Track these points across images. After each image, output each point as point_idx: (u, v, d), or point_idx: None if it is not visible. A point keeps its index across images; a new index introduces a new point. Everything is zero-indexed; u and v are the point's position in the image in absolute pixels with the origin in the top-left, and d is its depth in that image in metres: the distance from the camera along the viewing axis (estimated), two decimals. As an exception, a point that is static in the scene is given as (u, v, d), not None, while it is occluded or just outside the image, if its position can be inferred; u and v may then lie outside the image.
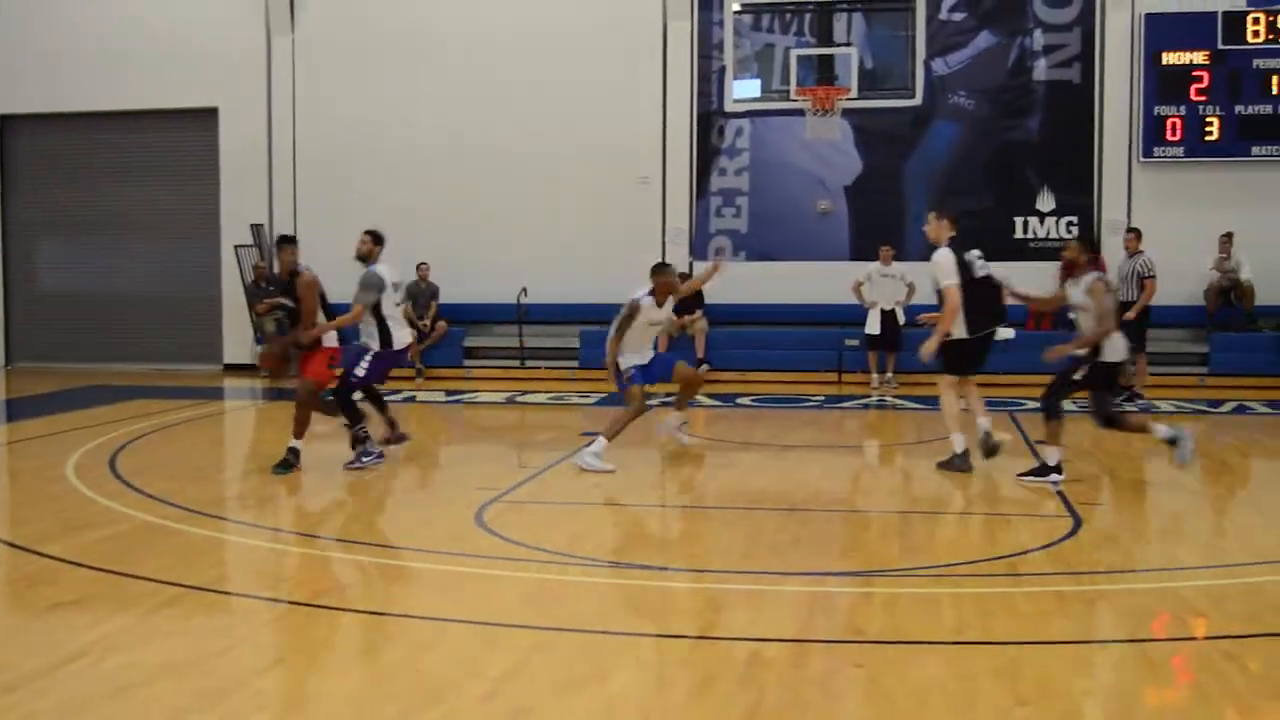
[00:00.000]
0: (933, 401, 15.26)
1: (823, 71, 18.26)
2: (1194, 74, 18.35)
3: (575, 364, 18.83)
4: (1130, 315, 15.51)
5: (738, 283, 19.00)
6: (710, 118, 19.67)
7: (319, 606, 6.69)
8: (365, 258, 11.18)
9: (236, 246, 20.49)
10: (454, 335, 19.32)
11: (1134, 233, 16.20)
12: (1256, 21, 18.10)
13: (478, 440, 14.02)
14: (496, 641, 6.01)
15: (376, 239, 11.27)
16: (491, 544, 8.10)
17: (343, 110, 20.39)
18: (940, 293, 10.63)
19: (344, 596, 7.01)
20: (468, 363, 19.37)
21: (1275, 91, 18.15)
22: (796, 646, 5.97)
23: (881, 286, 17.42)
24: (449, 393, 17.35)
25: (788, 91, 18.39)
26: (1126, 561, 7.88)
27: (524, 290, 19.28)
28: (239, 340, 20.74)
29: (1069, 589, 7.00)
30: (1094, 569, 7.42)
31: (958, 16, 19.24)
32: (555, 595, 7.00)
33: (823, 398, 16.40)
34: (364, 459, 10.84)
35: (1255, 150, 18.29)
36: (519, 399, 16.62)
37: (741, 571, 7.52)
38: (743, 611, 6.76)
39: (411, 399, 16.78)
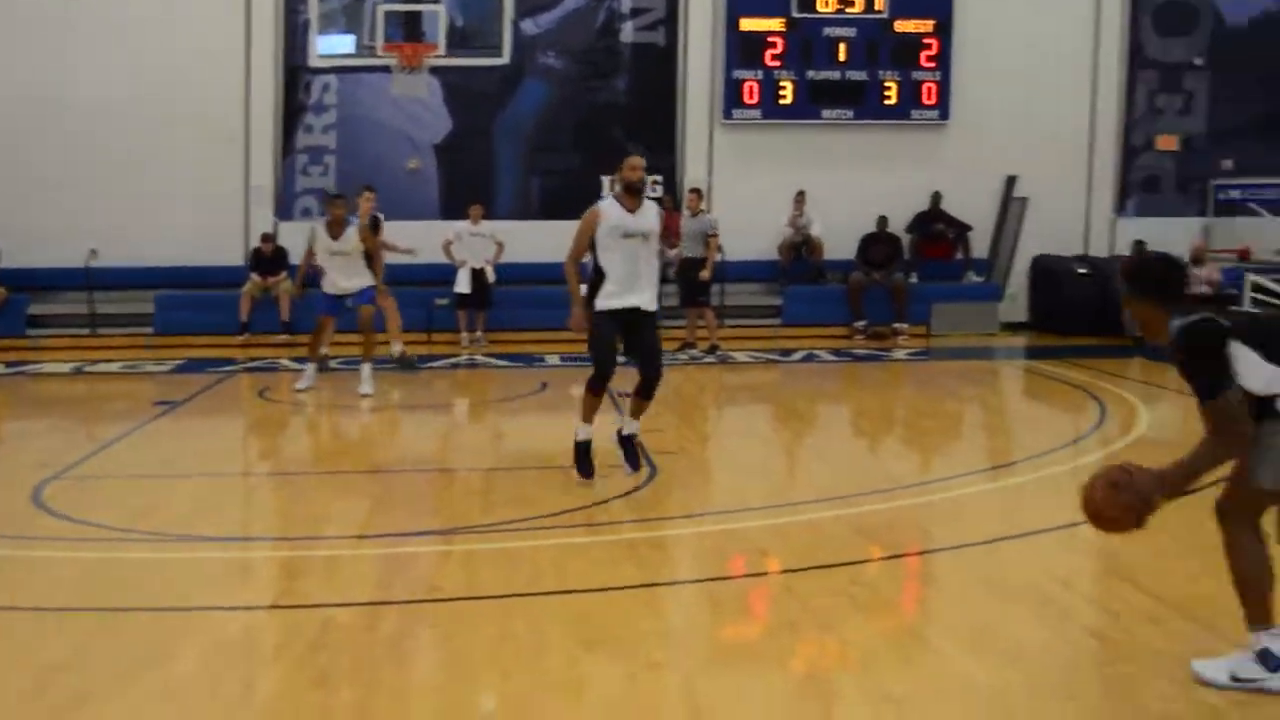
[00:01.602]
0: (521, 359, 15.53)
1: (410, 28, 18.00)
2: (770, 40, 19.15)
3: (151, 330, 17.86)
4: (706, 274, 16.15)
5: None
6: (296, 73, 19.04)
7: None
8: None
9: None
10: (16, 303, 17.89)
11: (696, 193, 16.88)
12: (829, -10, 19.08)
13: (40, 414, 13.05)
14: (51, 628, 5.66)
15: None
16: (49, 524, 7.57)
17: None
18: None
19: (-128, 589, 6.36)
20: (31, 332, 17.98)
21: (843, 59, 19.18)
22: (371, 610, 5.89)
23: (471, 245, 17.39)
24: (9, 364, 16.06)
25: (375, 48, 18.02)
26: (698, 505, 8.17)
27: (94, 253, 18.13)
28: None
29: (642, 535, 7.20)
30: (667, 514, 7.65)
31: (546, -23, 19.36)
32: (120, 574, 6.61)
33: (414, 357, 16.24)
34: None
35: (825, 114, 19.29)
36: (89, 369, 15.61)
37: (318, 537, 7.40)
38: (318, 578, 6.64)
39: (-32, 372, 15.51)
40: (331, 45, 18.98)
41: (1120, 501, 4.77)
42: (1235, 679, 4.75)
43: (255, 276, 17.70)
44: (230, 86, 18.77)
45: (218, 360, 15.84)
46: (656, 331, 8.42)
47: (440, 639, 5.50)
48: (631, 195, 8.22)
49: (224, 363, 15.67)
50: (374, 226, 15.08)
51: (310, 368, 12.95)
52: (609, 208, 8.25)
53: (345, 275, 12.56)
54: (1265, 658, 4.73)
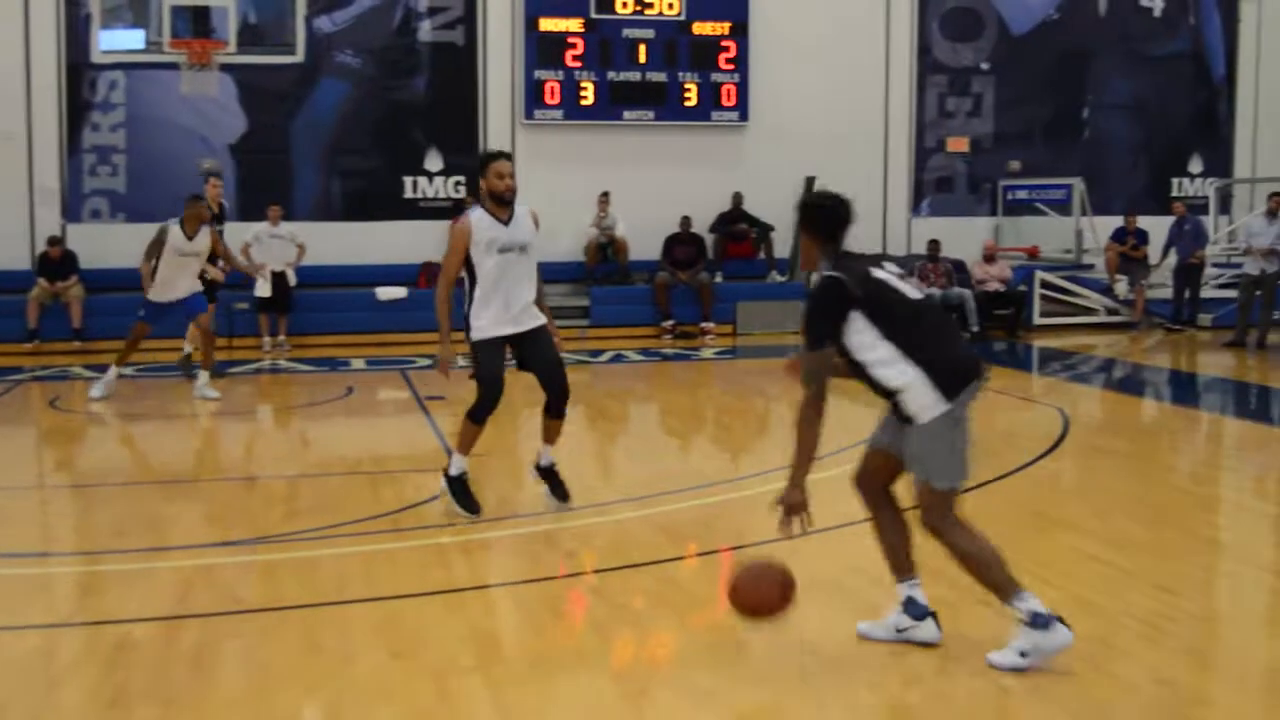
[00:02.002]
0: (325, 363, 15.27)
1: (199, 24, 17.51)
2: (569, 41, 19.19)
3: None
4: None
5: (116, 246, 17.88)
6: (80, 69, 18.34)
7: None
8: None
9: None
10: None
11: None
12: (628, -8, 19.20)
13: None
14: None
15: None
16: None
17: None
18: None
19: None
20: None
21: (642, 60, 19.34)
22: (170, 624, 5.74)
23: (271, 247, 17.01)
24: None
25: (162, 44, 17.48)
26: (505, 508, 8.09)
27: None
28: None
29: (449, 540, 7.14)
30: (474, 518, 7.56)
31: (342, -27, 19.05)
32: (-104, 595, 6.30)
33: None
34: None
35: (627, 114, 19.42)
36: None
37: (115, 551, 7.13)
38: (115, 592, 6.43)
39: None
40: (116, 41, 18.32)
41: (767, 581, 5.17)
42: (1024, 654, 4.97)
43: (43, 282, 16.98)
44: (10, 83, 17.99)
45: (5, 369, 15.16)
46: (552, 342, 7.59)
47: (243, 652, 5.37)
48: (501, 205, 7.46)
49: (11, 371, 15.01)
50: (220, 215, 14.70)
51: (111, 373, 12.52)
52: (479, 220, 7.38)
53: (185, 280, 12.33)
54: (1036, 620, 4.95)
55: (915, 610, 5.29)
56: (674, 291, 18.50)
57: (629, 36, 19.27)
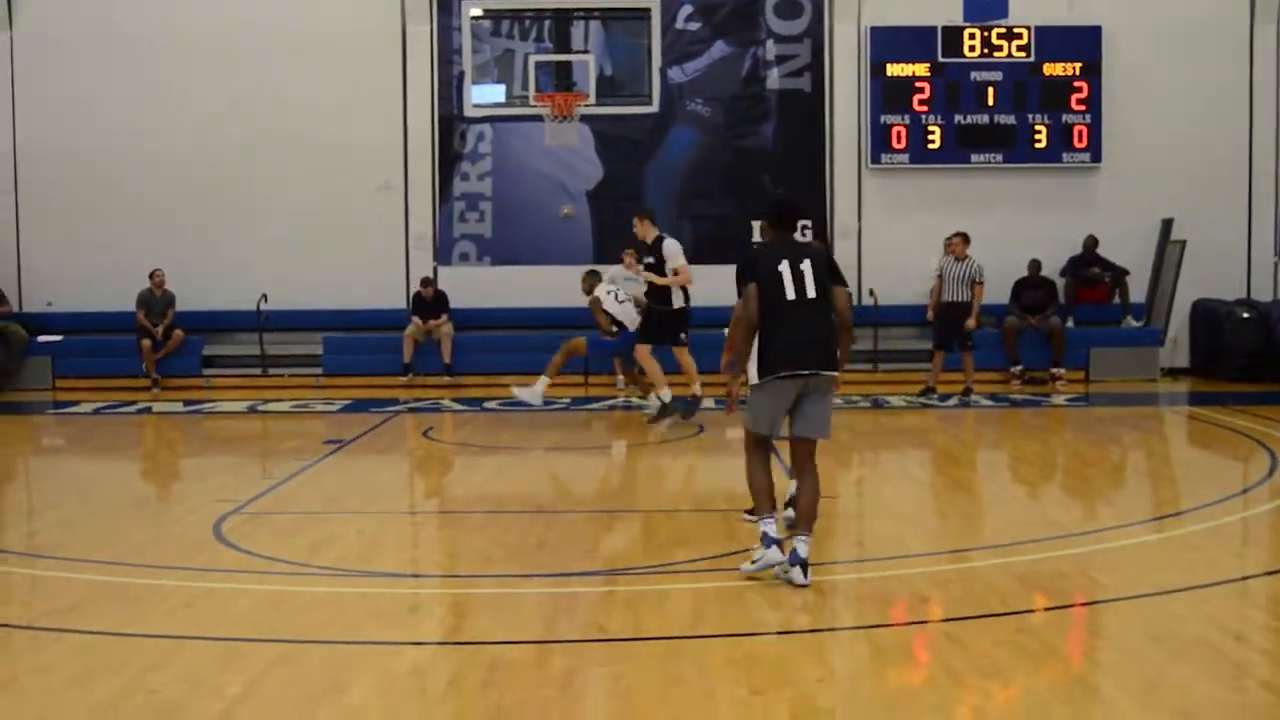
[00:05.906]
0: (681, 403, 15.60)
1: (561, 78, 18.39)
2: (916, 85, 19.14)
3: (319, 371, 18.47)
4: (971, 322, 16.20)
5: (483, 287, 19.00)
6: (451, 122, 19.54)
7: (42, 629, 6.40)
8: None
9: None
10: (191, 344, 18.65)
11: (961, 237, 16.73)
12: (973, 36, 19.00)
13: (217, 451, 13.60)
14: (233, 658, 5.86)
15: None
16: (230, 557, 7.90)
17: (69, 110, 19.33)
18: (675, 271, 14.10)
19: (70, 618, 6.67)
20: (206, 372, 18.75)
21: (991, 102, 19.09)
22: (540, 648, 6.01)
23: (626, 289, 17.60)
24: (187, 403, 16.78)
25: (527, 97, 18.43)
26: (857, 551, 8.17)
27: (264, 296, 18.78)
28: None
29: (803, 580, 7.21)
30: (826, 559, 7.65)
31: (693, 26, 19.61)
32: (296, 607, 6.85)
33: (569, 400, 16.50)
34: None
35: (974, 157, 19.18)
36: (261, 408, 16.19)
37: (486, 575, 7.53)
38: (487, 615, 6.79)
39: (147, 410, 16.17)
40: (485, 95, 19.46)
41: None
42: (754, 562, 6.97)
43: (416, 320, 18.18)
44: (389, 136, 19.36)
45: (383, 400, 16.29)
46: None
47: (609, 678, 5.58)
48: None
49: (389, 403, 16.10)
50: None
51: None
52: None
53: None
54: (765, 539, 6.93)
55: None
56: (1023, 336, 18.11)
57: (977, 79, 19.08)
